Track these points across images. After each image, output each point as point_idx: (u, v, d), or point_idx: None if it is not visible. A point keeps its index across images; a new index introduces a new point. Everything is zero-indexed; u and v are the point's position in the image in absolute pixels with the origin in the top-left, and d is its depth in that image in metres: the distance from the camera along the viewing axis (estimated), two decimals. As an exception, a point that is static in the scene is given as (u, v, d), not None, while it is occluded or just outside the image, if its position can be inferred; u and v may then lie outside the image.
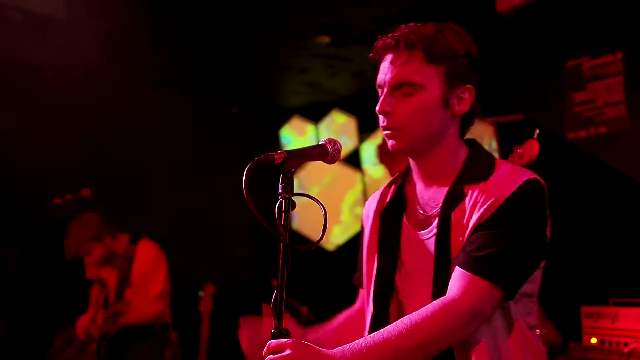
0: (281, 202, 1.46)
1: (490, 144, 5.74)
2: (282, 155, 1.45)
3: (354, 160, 6.51)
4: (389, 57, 1.62)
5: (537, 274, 1.62)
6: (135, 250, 4.07)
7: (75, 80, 4.54)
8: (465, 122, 1.67)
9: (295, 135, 7.00)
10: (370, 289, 1.74)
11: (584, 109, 4.06)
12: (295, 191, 1.48)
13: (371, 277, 1.74)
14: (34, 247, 4.24)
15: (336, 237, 6.47)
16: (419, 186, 1.70)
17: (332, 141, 1.56)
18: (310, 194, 1.58)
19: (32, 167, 4.56)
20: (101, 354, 4.05)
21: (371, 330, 1.65)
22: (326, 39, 5.08)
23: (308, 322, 4.83)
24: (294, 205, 1.48)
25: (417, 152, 1.65)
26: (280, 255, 1.44)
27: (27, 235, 4.15)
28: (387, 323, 1.56)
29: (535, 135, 2.44)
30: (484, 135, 5.69)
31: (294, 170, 1.51)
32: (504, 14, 4.11)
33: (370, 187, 6.30)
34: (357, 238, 1.97)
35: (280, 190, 1.47)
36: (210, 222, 5.77)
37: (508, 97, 4.65)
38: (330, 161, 1.56)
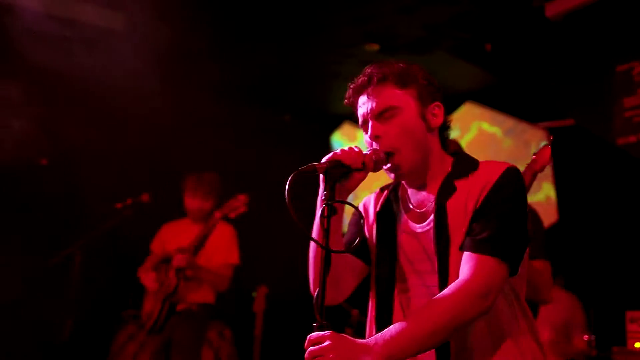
0: (323, 209, 1.63)
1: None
2: (324, 165, 1.64)
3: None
4: (365, 95, 1.80)
5: (525, 256, 1.76)
6: (217, 224, 4.30)
7: (134, 91, 4.78)
8: (443, 134, 1.85)
9: (347, 140, 7.21)
10: (372, 280, 1.89)
11: (635, 114, 4.04)
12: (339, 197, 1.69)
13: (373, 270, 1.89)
14: (97, 248, 4.40)
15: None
16: (411, 191, 1.86)
17: (375, 152, 1.74)
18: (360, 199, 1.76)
19: (97, 175, 4.87)
20: (157, 325, 4.26)
21: (377, 318, 1.81)
22: (375, 47, 5.24)
23: (359, 325, 4.92)
24: (335, 211, 1.64)
25: (416, 168, 1.80)
26: (321, 258, 1.60)
27: (92, 237, 4.28)
28: (390, 311, 1.77)
29: (549, 142, 2.52)
30: (534, 140, 5.76)
31: (347, 178, 1.72)
32: (554, 20, 4.16)
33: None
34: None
35: (322, 198, 1.65)
36: (264, 225, 5.90)
37: (558, 102, 4.66)
38: (374, 170, 1.75)
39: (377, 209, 1.91)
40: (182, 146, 5.38)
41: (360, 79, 1.82)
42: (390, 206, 1.89)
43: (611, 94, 4.13)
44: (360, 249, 1.91)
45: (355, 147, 1.74)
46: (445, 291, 1.62)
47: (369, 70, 1.82)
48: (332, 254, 1.63)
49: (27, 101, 4.64)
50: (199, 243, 4.30)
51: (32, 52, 4.40)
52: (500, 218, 1.67)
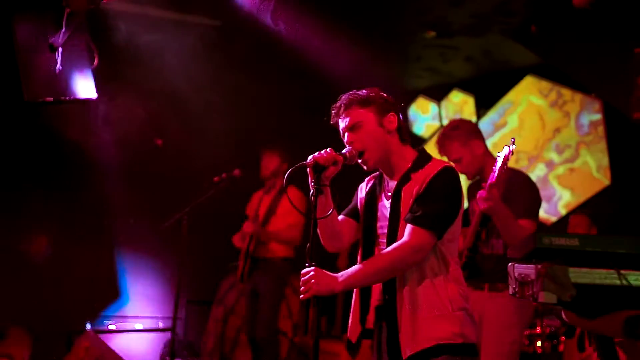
0: (313, 191, 2.46)
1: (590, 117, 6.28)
2: (310, 164, 2.46)
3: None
4: (340, 117, 2.58)
5: (457, 224, 2.51)
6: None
7: (226, 83, 5.85)
8: (401, 134, 2.60)
9: (420, 112, 7.80)
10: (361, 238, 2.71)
11: None
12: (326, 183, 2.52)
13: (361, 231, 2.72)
14: (200, 213, 5.43)
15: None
16: (386, 179, 2.66)
17: (350, 151, 2.55)
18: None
19: (199, 154, 5.91)
20: (243, 276, 5.30)
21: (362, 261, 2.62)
22: (432, 33, 5.94)
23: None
24: (321, 191, 2.48)
25: (381, 162, 2.59)
26: (312, 225, 2.44)
27: (196, 204, 5.33)
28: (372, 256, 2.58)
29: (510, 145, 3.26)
30: (573, 112, 6.40)
31: (325, 170, 2.49)
32: (580, 7, 4.66)
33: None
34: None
35: (311, 184, 2.47)
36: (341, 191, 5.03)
37: (587, 80, 5.31)
38: (351, 163, 2.56)
39: (367, 189, 2.74)
40: (269, 128, 6.16)
41: (336, 105, 2.59)
42: (374, 188, 2.70)
43: (629, 73, 4.49)
44: (354, 213, 2.74)
45: (330, 149, 2.51)
46: (391, 246, 2.44)
47: (342, 98, 2.59)
48: (326, 219, 2.52)
49: (145, 95, 5.74)
50: (269, 209, 5.21)
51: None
52: (431, 201, 2.42)
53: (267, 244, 5.19)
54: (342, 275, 2.41)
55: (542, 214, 6.23)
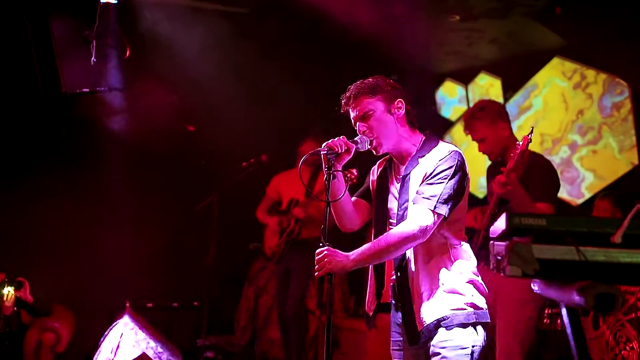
0: (327, 175, 2.64)
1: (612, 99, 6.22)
2: (324, 151, 2.63)
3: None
4: (350, 107, 2.73)
5: (463, 206, 2.67)
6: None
7: (253, 74, 6.04)
8: (409, 119, 2.74)
9: (448, 95, 7.83)
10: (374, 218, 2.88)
11: None
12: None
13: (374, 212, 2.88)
14: (229, 197, 5.74)
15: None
16: (396, 163, 2.80)
17: (362, 139, 2.71)
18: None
19: (228, 140, 6.10)
20: (280, 258, 5.62)
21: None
22: (457, 17, 6.01)
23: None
24: (334, 176, 2.65)
25: (391, 148, 2.74)
26: (326, 208, 2.63)
27: (225, 188, 5.66)
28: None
29: (530, 133, 3.35)
30: (596, 94, 6.38)
31: (338, 157, 2.67)
32: None
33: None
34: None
35: (325, 169, 2.65)
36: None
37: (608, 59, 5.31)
38: (363, 149, 2.72)
39: (378, 172, 2.90)
40: (295, 113, 6.31)
41: (345, 95, 2.74)
42: (385, 171, 2.86)
43: None
44: (366, 194, 2.92)
45: (343, 137, 2.69)
46: (398, 226, 2.60)
47: (351, 89, 2.73)
48: (338, 202, 2.71)
49: (179, 84, 5.99)
50: (308, 194, 5.42)
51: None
52: (437, 184, 2.57)
53: (305, 226, 5.47)
54: (353, 253, 2.58)
55: (566, 196, 6.40)
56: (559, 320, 4.69)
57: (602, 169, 6.30)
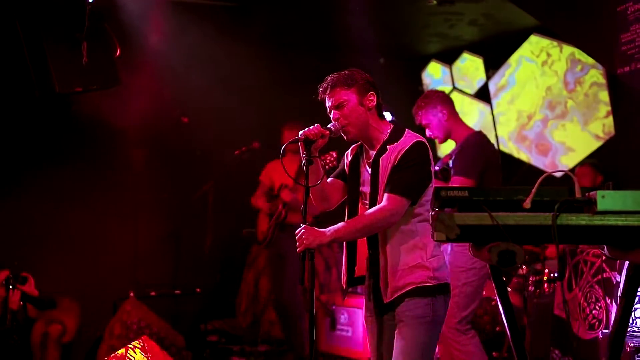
0: (305, 161, 2.90)
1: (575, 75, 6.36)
2: (301, 139, 2.88)
3: (483, 94, 7.46)
4: (326, 96, 2.96)
5: (430, 187, 2.91)
6: None
7: (243, 68, 6.28)
8: (379, 111, 3.01)
9: (433, 76, 8.07)
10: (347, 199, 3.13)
11: (628, 48, 4.58)
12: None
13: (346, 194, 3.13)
14: (224, 184, 6.06)
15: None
16: (366, 149, 3.05)
17: (335, 126, 2.96)
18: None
19: (221, 129, 6.33)
20: (270, 242, 5.81)
21: (348, 219, 3.05)
22: (434, 1, 6.12)
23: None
24: (312, 162, 2.90)
25: (361, 135, 3.00)
26: (305, 191, 2.91)
27: (220, 176, 5.96)
28: (356, 214, 3.00)
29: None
30: (561, 70, 6.53)
31: (314, 143, 2.90)
32: None
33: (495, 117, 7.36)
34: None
35: (303, 155, 2.91)
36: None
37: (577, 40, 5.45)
38: (335, 136, 2.97)
39: (351, 156, 3.14)
40: (283, 101, 6.43)
41: (322, 85, 2.98)
42: (358, 156, 3.11)
43: (612, 31, 4.66)
44: (342, 175, 3.16)
45: (317, 125, 2.92)
46: (372, 209, 2.87)
47: (328, 79, 2.97)
48: (316, 186, 2.95)
49: (170, 76, 6.16)
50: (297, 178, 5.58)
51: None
52: (404, 171, 2.83)
53: (293, 210, 5.58)
54: (329, 230, 2.85)
55: (543, 167, 6.79)
56: (545, 285, 4.98)
57: (571, 141, 6.65)
